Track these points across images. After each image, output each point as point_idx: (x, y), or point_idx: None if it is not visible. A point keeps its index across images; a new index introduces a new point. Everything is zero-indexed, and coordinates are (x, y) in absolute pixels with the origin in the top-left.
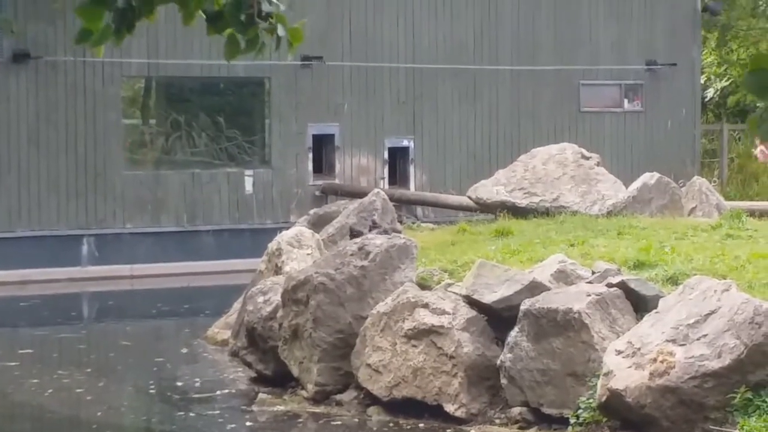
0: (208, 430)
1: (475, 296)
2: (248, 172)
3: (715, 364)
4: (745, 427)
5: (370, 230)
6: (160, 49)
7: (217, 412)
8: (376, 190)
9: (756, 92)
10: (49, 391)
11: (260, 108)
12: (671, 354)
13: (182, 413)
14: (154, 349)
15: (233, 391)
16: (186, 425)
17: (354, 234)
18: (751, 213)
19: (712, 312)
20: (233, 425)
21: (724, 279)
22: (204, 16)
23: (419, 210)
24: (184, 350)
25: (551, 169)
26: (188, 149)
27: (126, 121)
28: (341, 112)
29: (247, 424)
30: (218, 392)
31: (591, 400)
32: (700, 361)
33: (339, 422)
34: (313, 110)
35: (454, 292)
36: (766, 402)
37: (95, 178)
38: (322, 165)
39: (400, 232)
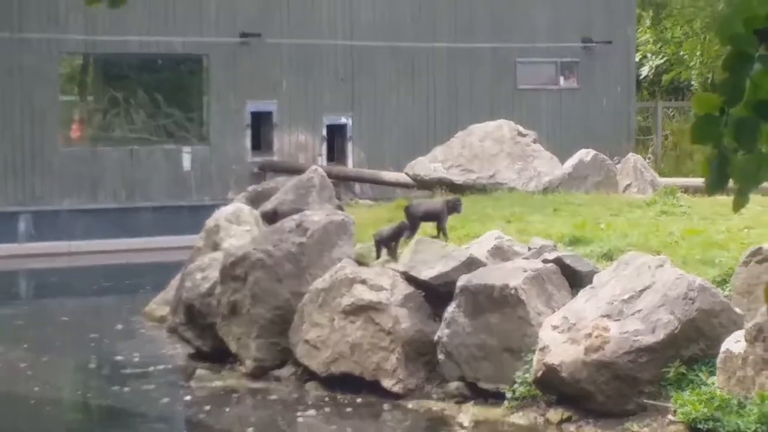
0: (144, 404)
1: (413, 272)
2: (186, 149)
3: (649, 339)
4: (678, 400)
5: None
6: (97, 25)
7: (154, 387)
8: (314, 167)
9: (702, 139)
10: None
11: (198, 85)
12: (606, 329)
13: (118, 388)
14: (92, 325)
15: (171, 366)
16: (122, 400)
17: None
18: (685, 190)
19: (647, 288)
20: (168, 399)
21: (659, 255)
22: None
23: (357, 187)
24: (122, 327)
25: (488, 146)
26: (126, 126)
27: (63, 98)
28: (279, 89)
29: (184, 398)
30: (156, 368)
31: (527, 375)
32: (635, 336)
33: (277, 398)
34: (251, 87)
35: (391, 269)
36: (699, 376)
37: (32, 156)
38: (260, 142)
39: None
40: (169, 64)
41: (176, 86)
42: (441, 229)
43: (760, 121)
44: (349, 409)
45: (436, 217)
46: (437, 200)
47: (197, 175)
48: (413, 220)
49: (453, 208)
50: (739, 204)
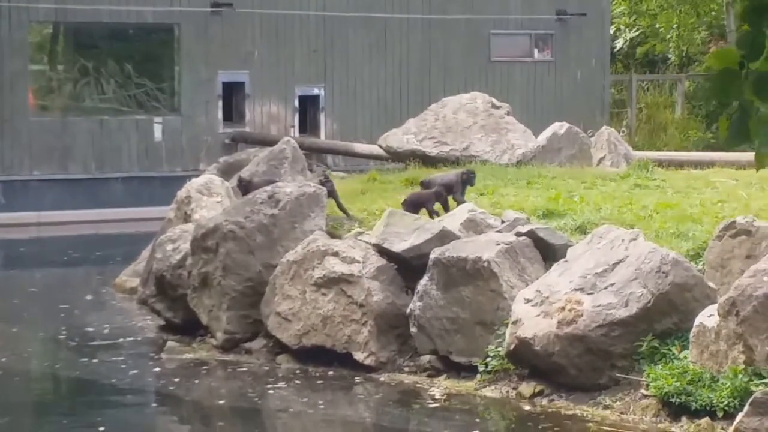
0: (114, 376)
1: (385, 245)
2: (157, 119)
3: (622, 313)
4: (651, 374)
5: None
6: None
7: (124, 358)
8: (286, 138)
9: (721, 94)
10: None
11: (169, 55)
12: (579, 303)
13: (87, 359)
14: (62, 296)
15: (141, 338)
16: (90, 371)
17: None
18: (659, 163)
19: (620, 261)
20: (138, 371)
21: (632, 228)
22: None
23: (330, 159)
24: (93, 298)
25: (462, 118)
26: (96, 96)
27: (33, 66)
28: (251, 59)
29: (154, 370)
30: (126, 339)
31: (500, 349)
32: (608, 310)
33: (247, 370)
34: (223, 58)
35: (364, 241)
36: (671, 350)
37: (2, 125)
38: (232, 113)
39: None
40: (140, 33)
41: (147, 56)
42: (457, 201)
43: None
44: (320, 382)
45: (450, 189)
46: (451, 172)
47: (168, 145)
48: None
49: (467, 180)
50: (763, 160)
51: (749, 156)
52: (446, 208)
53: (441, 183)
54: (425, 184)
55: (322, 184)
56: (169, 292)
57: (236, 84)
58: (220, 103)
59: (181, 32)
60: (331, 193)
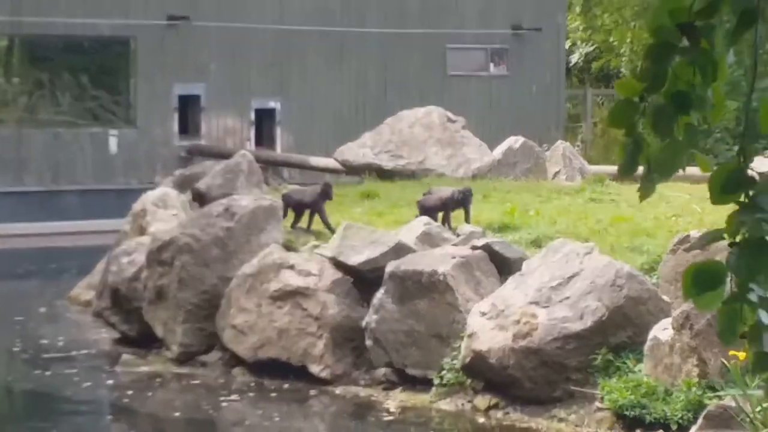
0: (68, 389)
1: (341, 258)
2: (113, 131)
3: (577, 326)
4: (605, 387)
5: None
6: (23, 6)
7: (78, 371)
8: (242, 151)
9: (619, 123)
10: None
11: (125, 67)
12: (534, 316)
13: (41, 372)
14: (16, 308)
15: (96, 351)
16: (44, 384)
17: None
18: (614, 177)
19: (575, 275)
20: (92, 384)
21: (587, 242)
22: None
23: (285, 172)
24: (47, 310)
25: (417, 132)
26: (52, 108)
27: None
28: (207, 72)
29: (108, 382)
30: (80, 352)
31: (455, 362)
32: (563, 323)
33: (203, 383)
34: (179, 70)
35: (320, 254)
36: (626, 363)
37: None
38: (187, 126)
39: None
40: (96, 46)
41: (103, 69)
42: (445, 220)
43: (678, 111)
44: (275, 395)
45: (446, 206)
46: (447, 189)
47: (124, 158)
48: (426, 212)
49: (464, 199)
50: (645, 192)
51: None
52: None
53: (440, 198)
54: (425, 203)
55: (324, 192)
56: (124, 304)
57: (192, 97)
58: (176, 116)
59: (137, 45)
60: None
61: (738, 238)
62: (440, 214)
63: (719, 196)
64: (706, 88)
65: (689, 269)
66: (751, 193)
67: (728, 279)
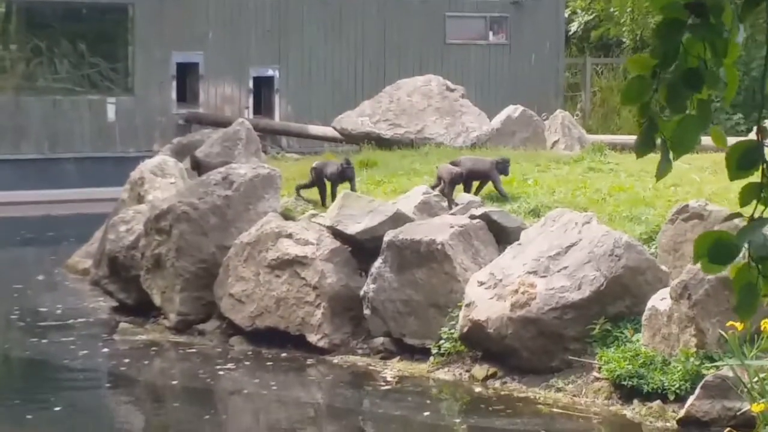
0: (64, 356)
1: (339, 227)
2: (111, 99)
3: (575, 296)
4: (603, 357)
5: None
6: None
7: (76, 339)
8: (240, 119)
9: (633, 100)
10: None
11: (123, 35)
12: (532, 285)
13: (38, 340)
14: (14, 277)
15: (93, 319)
16: (41, 352)
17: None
18: (613, 146)
19: (573, 244)
20: (88, 352)
21: (585, 212)
22: None
23: (284, 140)
24: (45, 279)
25: (416, 100)
26: (50, 76)
27: None
28: (206, 40)
29: (106, 351)
30: (78, 321)
31: (453, 331)
32: (561, 293)
33: (200, 351)
34: (177, 38)
35: (318, 223)
36: (624, 333)
37: None
38: (186, 94)
39: None
40: (94, 13)
41: (101, 36)
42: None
43: (689, 88)
44: (273, 364)
45: (483, 174)
46: (485, 158)
47: (122, 126)
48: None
49: (502, 169)
50: (663, 170)
51: (704, 141)
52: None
53: (472, 168)
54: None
55: (343, 168)
56: (122, 273)
57: (190, 65)
58: (174, 84)
59: (135, 12)
60: (351, 179)
61: (756, 215)
62: (475, 183)
63: (735, 172)
64: (718, 65)
65: (706, 238)
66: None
67: (743, 252)
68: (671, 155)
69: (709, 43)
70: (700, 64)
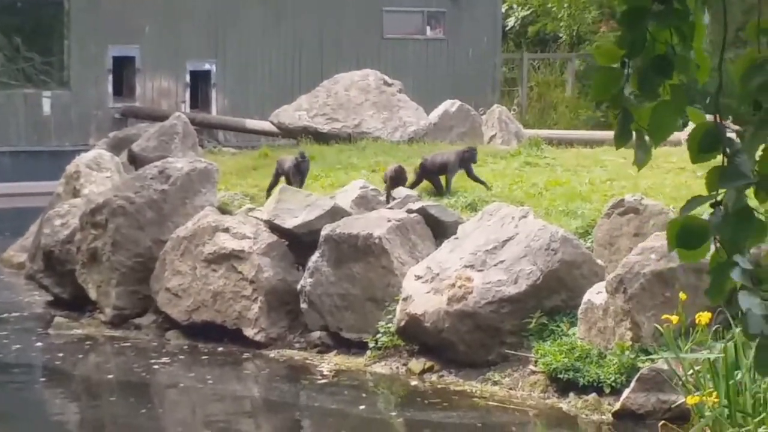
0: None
1: (277, 221)
2: (46, 93)
3: (511, 290)
4: (539, 351)
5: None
6: None
7: (10, 333)
8: (177, 113)
9: (603, 92)
10: None
11: (59, 28)
12: (469, 279)
13: None
14: None
15: (28, 314)
16: None
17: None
18: (549, 141)
19: (510, 238)
20: (21, 346)
21: (522, 206)
22: None
23: (221, 134)
24: None
25: (354, 95)
26: None
27: None
28: (142, 34)
29: (41, 345)
30: (12, 314)
31: (390, 325)
32: (497, 287)
33: (136, 346)
34: (113, 32)
35: (255, 217)
36: (560, 327)
37: None
38: (122, 87)
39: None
40: (29, 6)
41: (36, 29)
42: (448, 181)
43: (660, 75)
44: (209, 358)
45: (445, 168)
46: (450, 150)
47: (57, 120)
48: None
49: (469, 158)
50: (642, 160)
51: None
52: (437, 188)
53: (441, 162)
54: (426, 164)
55: (298, 162)
56: (58, 267)
57: (127, 58)
58: (111, 78)
59: (71, 5)
60: (304, 174)
61: (720, 199)
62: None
63: (697, 155)
64: (687, 50)
65: (674, 224)
66: (728, 151)
67: (712, 238)
68: (649, 143)
69: (676, 29)
70: (668, 50)
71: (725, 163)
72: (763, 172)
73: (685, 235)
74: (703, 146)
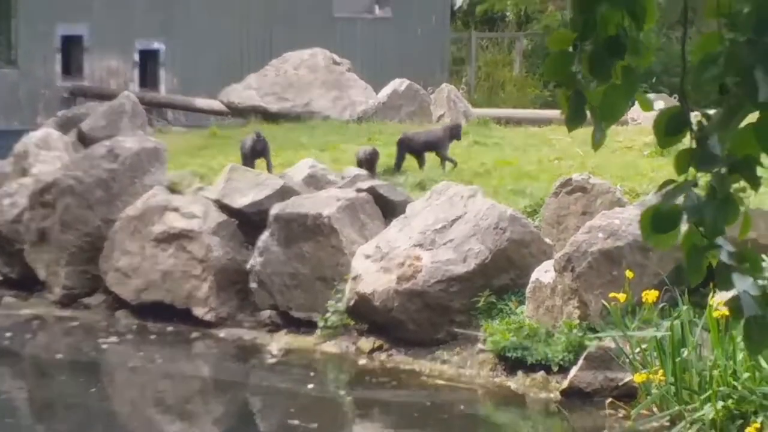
0: None
1: (226, 200)
2: None
3: (460, 269)
4: (488, 329)
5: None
6: None
7: None
8: (125, 92)
9: (556, 75)
10: None
11: (6, 7)
12: (418, 258)
13: None
14: None
15: None
16: None
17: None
18: (498, 120)
19: (459, 217)
20: None
21: (471, 185)
22: None
23: (170, 113)
24: None
25: (303, 74)
26: None
27: None
28: (90, 12)
29: None
30: None
31: (339, 304)
32: (446, 266)
33: (86, 325)
34: (61, 10)
35: (204, 196)
36: (508, 305)
37: None
38: (70, 67)
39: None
40: None
41: None
42: (443, 158)
43: (612, 56)
44: (158, 337)
45: (435, 145)
46: (437, 127)
47: (5, 99)
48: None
49: (455, 135)
50: (597, 141)
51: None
52: (420, 165)
53: (426, 140)
54: (405, 140)
55: (255, 142)
56: (6, 247)
57: (75, 37)
58: (59, 57)
59: None
60: (263, 152)
61: (700, 183)
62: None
63: (664, 138)
64: (638, 32)
65: (647, 212)
66: (697, 134)
67: (683, 219)
68: (603, 125)
69: (628, 11)
70: (620, 32)
71: (694, 146)
72: (736, 154)
73: (658, 221)
74: (669, 129)
